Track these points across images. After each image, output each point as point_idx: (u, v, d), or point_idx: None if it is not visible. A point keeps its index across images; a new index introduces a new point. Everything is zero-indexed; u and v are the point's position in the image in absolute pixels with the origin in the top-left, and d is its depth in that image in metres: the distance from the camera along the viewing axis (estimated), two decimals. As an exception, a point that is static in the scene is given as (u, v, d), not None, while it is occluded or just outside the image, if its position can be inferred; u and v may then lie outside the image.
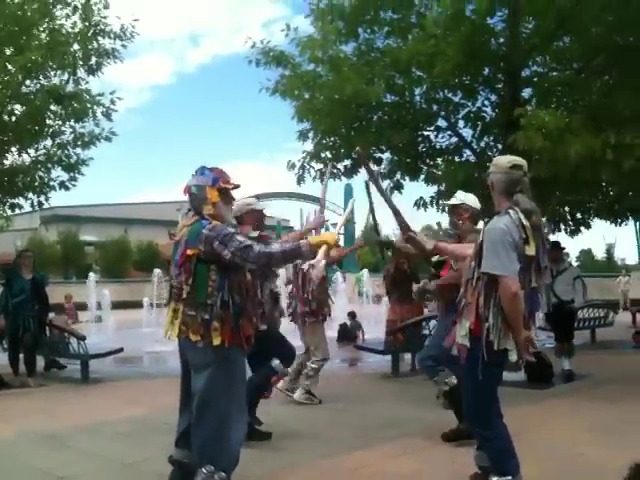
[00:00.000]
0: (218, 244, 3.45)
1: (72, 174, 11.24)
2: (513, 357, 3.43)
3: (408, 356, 9.40)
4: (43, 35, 10.50)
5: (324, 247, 3.53)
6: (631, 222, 14.46)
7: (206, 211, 3.61)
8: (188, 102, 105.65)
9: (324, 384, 7.23)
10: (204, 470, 3.44)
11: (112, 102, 11.06)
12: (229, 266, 3.50)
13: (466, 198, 5.31)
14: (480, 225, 5.11)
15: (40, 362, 9.24)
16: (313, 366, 6.87)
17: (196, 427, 3.55)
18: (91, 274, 19.67)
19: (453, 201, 5.34)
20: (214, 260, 3.49)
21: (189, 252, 3.51)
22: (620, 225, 13.76)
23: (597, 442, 5.03)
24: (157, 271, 17.29)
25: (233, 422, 3.53)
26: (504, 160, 3.74)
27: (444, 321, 5.12)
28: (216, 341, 3.46)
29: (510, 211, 3.50)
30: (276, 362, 5.37)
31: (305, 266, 6.88)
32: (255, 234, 3.95)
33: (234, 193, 3.84)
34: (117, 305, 20.15)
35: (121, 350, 9.50)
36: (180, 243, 3.61)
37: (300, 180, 10.91)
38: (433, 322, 8.91)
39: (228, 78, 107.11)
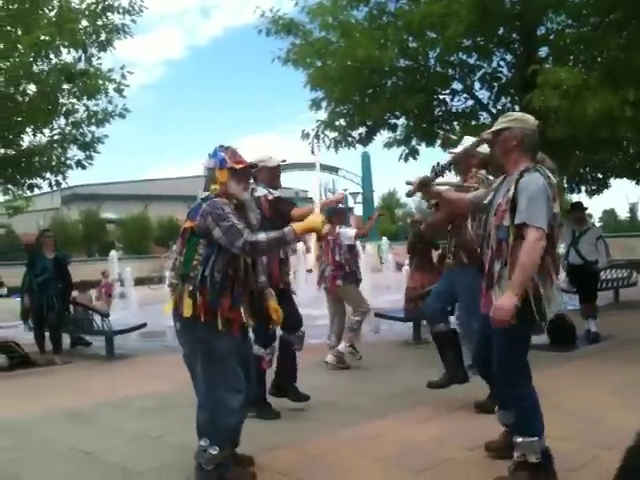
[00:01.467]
0: (211, 220, 3.50)
1: (88, 152, 11.26)
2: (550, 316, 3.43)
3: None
4: (52, 13, 10.44)
5: (313, 235, 3.61)
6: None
7: (212, 191, 3.67)
8: (202, 76, 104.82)
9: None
10: (200, 443, 3.61)
11: (123, 77, 11.02)
12: (217, 244, 3.53)
13: (468, 141, 5.02)
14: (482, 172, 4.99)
15: (66, 340, 9.40)
16: (356, 318, 7.12)
17: (198, 405, 3.71)
18: (113, 251, 19.83)
19: (459, 148, 4.96)
20: (205, 235, 3.54)
21: (187, 224, 3.60)
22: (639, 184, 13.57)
23: (622, 404, 5.00)
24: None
25: (227, 407, 3.58)
26: (530, 117, 3.68)
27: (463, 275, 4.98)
28: (186, 312, 3.49)
29: (539, 169, 3.46)
30: (283, 333, 5.27)
31: (336, 232, 6.99)
32: (247, 195, 3.79)
33: (248, 172, 3.86)
34: (140, 281, 20.34)
35: (144, 325, 9.61)
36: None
37: (313, 150, 10.83)
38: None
39: (241, 49, 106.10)
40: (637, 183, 13.43)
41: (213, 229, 3.49)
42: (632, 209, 54.90)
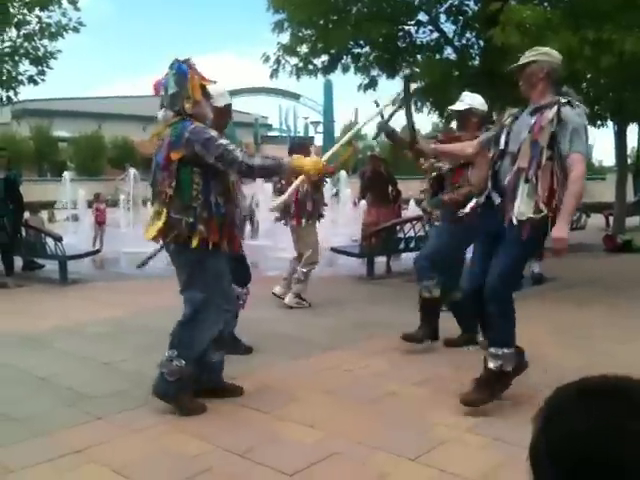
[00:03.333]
0: (200, 148, 3.47)
1: (40, 68, 10.88)
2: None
3: (383, 259, 9.52)
4: None
5: (301, 177, 3.78)
6: (610, 124, 14.38)
7: (188, 109, 3.57)
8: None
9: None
10: (167, 353, 3.70)
11: None
12: (212, 169, 3.54)
13: (474, 101, 5.09)
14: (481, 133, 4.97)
15: (18, 262, 9.28)
16: (303, 270, 6.86)
17: (180, 321, 3.76)
18: (66, 173, 19.33)
19: (460, 106, 5.08)
20: (197, 163, 3.51)
21: (172, 156, 3.52)
22: (599, 128, 13.77)
23: (559, 344, 5.23)
24: (132, 171, 16.99)
25: (206, 319, 3.71)
26: (555, 52, 3.85)
27: (446, 224, 5.08)
28: (195, 243, 3.55)
29: (579, 104, 3.65)
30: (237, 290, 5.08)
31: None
32: (210, 114, 3.75)
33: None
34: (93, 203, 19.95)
35: (98, 251, 9.56)
36: (163, 145, 3.60)
37: (273, 74, 10.57)
38: (408, 226, 9.03)
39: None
40: (594, 126, 13.62)
41: (204, 155, 3.48)
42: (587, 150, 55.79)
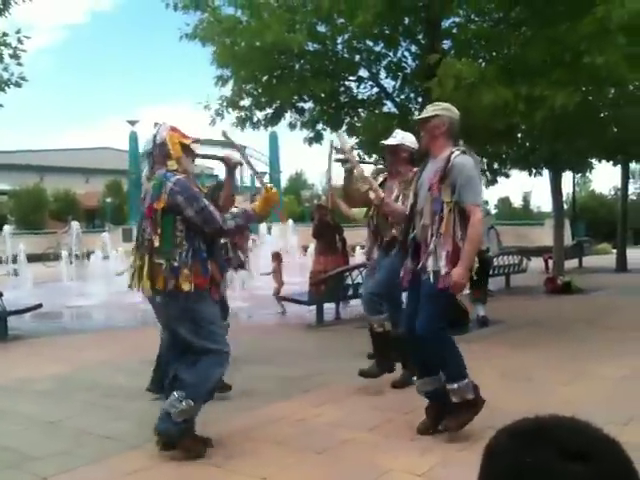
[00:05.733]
0: (183, 200, 3.64)
1: (-20, 122, 10.72)
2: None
3: (332, 306, 9.59)
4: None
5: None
6: (546, 172, 15.01)
7: (170, 166, 3.77)
8: (104, 42, 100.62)
9: (249, 337, 7.33)
10: (175, 394, 3.73)
11: (19, 41, 10.56)
12: (188, 222, 3.69)
13: (404, 138, 5.37)
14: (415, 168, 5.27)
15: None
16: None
17: (185, 364, 3.84)
18: (6, 226, 18.89)
19: (392, 141, 5.36)
20: (177, 212, 3.67)
21: (155, 205, 3.67)
22: (535, 176, 14.38)
23: (505, 387, 5.32)
24: (75, 223, 16.76)
25: (210, 359, 3.80)
26: (454, 107, 4.16)
27: (389, 259, 5.23)
28: (185, 287, 3.64)
29: (467, 151, 3.94)
30: None
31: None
32: (191, 169, 3.96)
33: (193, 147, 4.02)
34: (35, 258, 19.54)
35: (40, 306, 9.28)
36: (146, 197, 3.77)
37: (213, 122, 10.63)
38: (356, 272, 9.14)
39: (147, 18, 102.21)
40: (530, 174, 14.22)
41: (185, 209, 3.64)
42: (525, 198, 57.89)
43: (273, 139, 34.70)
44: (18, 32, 10.57)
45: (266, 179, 43.32)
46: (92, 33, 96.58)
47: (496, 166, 12.61)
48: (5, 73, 10.62)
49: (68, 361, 6.92)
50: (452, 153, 3.92)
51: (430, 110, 4.16)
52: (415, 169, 5.31)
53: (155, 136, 3.83)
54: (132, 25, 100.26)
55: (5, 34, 10.55)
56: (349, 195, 5.52)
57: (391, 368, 5.37)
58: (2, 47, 10.46)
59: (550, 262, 15.97)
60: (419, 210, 4.05)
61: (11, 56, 10.50)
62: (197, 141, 4.03)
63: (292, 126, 10.80)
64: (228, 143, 5.04)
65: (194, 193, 3.69)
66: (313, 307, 9.21)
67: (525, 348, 7.03)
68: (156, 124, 3.92)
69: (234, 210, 4.11)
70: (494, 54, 9.58)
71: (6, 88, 10.70)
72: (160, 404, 3.96)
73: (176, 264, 3.65)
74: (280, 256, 11.26)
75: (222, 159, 4.89)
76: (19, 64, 10.66)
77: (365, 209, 6.68)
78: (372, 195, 4.78)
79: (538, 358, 6.52)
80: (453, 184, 3.85)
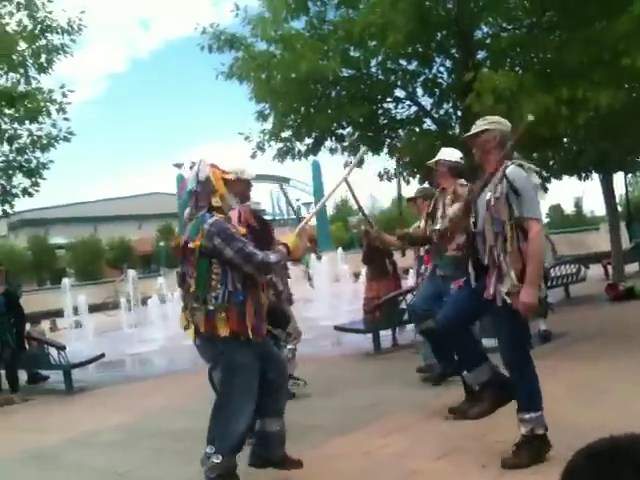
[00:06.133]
0: (220, 242, 3.56)
1: (34, 179, 11.08)
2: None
3: (388, 332, 9.42)
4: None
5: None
6: (596, 176, 14.59)
7: (214, 202, 3.71)
8: (144, 89, 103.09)
9: (307, 369, 7.25)
10: (206, 450, 3.66)
11: (64, 95, 10.94)
12: (229, 264, 3.60)
13: (442, 154, 5.52)
14: (462, 180, 5.30)
15: (22, 375, 9.17)
16: (289, 347, 6.54)
17: (212, 413, 3.76)
18: (65, 280, 19.41)
19: (452, 158, 5.48)
20: (214, 255, 3.59)
21: (190, 245, 3.63)
22: (584, 180, 13.98)
23: (575, 402, 5.09)
24: (132, 272, 17.11)
25: (241, 414, 3.69)
26: (504, 119, 4.08)
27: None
28: (223, 332, 3.57)
29: (522, 164, 3.84)
30: (277, 330, 5.28)
31: None
32: (234, 204, 3.93)
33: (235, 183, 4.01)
34: (95, 308, 19.98)
35: (103, 356, 9.44)
36: (184, 238, 3.75)
37: (254, 156, 10.73)
38: (410, 296, 8.98)
39: (184, 61, 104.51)
40: (579, 179, 13.85)
41: (223, 249, 3.56)
42: (577, 203, 56.46)
43: (316, 168, 34.86)
44: (62, 87, 10.98)
45: (311, 208, 43.66)
46: (133, 79, 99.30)
47: (545, 173, 12.32)
48: (54, 129, 10.99)
49: (131, 410, 6.98)
50: (505, 167, 3.81)
51: (479, 125, 4.06)
52: (460, 182, 5.29)
53: (197, 174, 3.76)
54: (170, 69, 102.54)
55: (51, 90, 10.94)
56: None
57: (455, 369, 5.19)
58: (49, 103, 10.81)
59: (609, 268, 15.44)
60: (480, 230, 3.92)
61: (58, 111, 10.84)
62: (236, 176, 4.01)
63: (333, 151, 10.82)
64: (268, 177, 5.11)
65: (231, 233, 3.62)
66: (370, 335, 9.08)
67: (594, 360, 6.70)
68: (193, 163, 3.88)
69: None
70: (530, 60, 9.42)
71: (55, 144, 11.06)
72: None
73: (211, 307, 3.58)
74: None
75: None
76: (66, 119, 11.02)
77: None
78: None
79: (609, 370, 6.16)
80: (508, 200, 3.73)
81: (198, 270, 3.63)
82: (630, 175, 25.12)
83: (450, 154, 5.48)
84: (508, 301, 3.72)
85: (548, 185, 12.61)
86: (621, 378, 5.83)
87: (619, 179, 22.84)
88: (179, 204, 30.69)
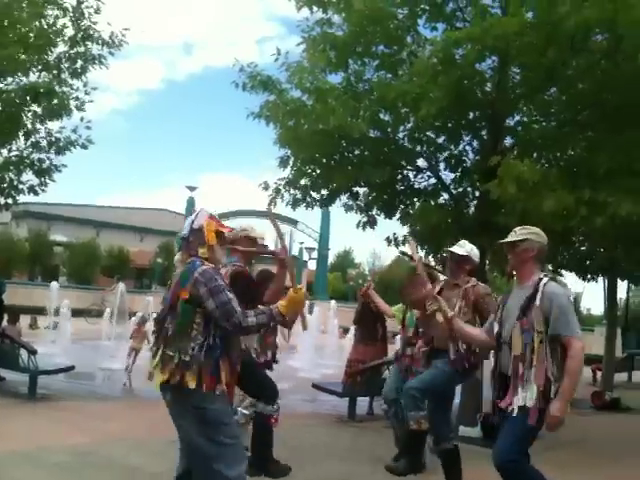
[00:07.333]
0: (205, 291, 3.42)
1: (43, 179, 10.97)
2: None
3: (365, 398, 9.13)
4: (31, 33, 10.27)
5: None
6: (600, 279, 14.48)
7: (201, 254, 3.61)
8: (176, 110, 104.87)
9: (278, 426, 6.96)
10: None
11: (86, 93, 10.93)
12: (209, 315, 3.44)
13: (472, 251, 5.34)
14: (473, 280, 5.19)
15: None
16: (244, 411, 5.54)
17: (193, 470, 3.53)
18: (54, 283, 19.20)
19: (460, 251, 5.29)
20: (198, 303, 3.44)
21: (181, 294, 3.47)
22: (589, 281, 13.84)
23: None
24: (121, 285, 16.94)
25: (222, 465, 3.40)
26: (543, 233, 4.07)
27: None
28: (192, 384, 3.36)
29: (557, 279, 3.90)
30: (260, 406, 5.08)
31: None
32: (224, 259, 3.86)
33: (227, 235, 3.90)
34: (78, 312, 19.72)
35: (72, 368, 9.20)
36: (172, 283, 3.61)
37: (272, 202, 10.70)
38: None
39: (218, 90, 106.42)
40: (584, 280, 13.71)
41: (206, 300, 3.42)
42: (576, 299, 56.40)
43: (325, 216, 34.98)
44: (85, 85, 10.98)
45: (314, 254, 43.59)
46: (165, 100, 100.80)
47: (550, 268, 12.18)
48: (73, 135, 10.94)
49: (90, 432, 6.73)
50: (540, 280, 3.81)
51: (519, 233, 4.05)
52: (473, 281, 5.15)
53: (193, 221, 3.70)
54: (202, 96, 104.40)
55: (76, 89, 10.95)
56: (402, 293, 5.57)
57: (420, 469, 5.12)
58: (72, 100, 10.80)
59: (598, 373, 15.19)
60: (506, 340, 3.88)
61: (77, 108, 10.78)
62: (232, 230, 3.91)
63: (348, 208, 10.75)
64: (268, 214, 5.01)
65: (218, 285, 3.45)
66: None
67: (565, 469, 6.42)
68: (197, 211, 3.82)
69: (261, 307, 3.83)
70: (558, 155, 9.38)
71: (72, 148, 10.99)
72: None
73: (187, 358, 3.38)
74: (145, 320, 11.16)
75: (273, 253, 4.79)
76: (88, 127, 10.97)
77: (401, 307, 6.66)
78: (439, 317, 4.62)
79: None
80: (545, 314, 3.71)
81: (181, 316, 3.46)
82: (633, 285, 25.07)
83: (477, 255, 5.37)
84: (515, 412, 3.72)
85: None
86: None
87: (622, 285, 22.73)
88: (177, 237, 30.67)
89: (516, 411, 3.71)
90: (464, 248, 5.30)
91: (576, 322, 3.75)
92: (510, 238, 4.06)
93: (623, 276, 15.11)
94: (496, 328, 3.99)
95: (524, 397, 3.68)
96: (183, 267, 3.60)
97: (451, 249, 5.36)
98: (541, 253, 3.97)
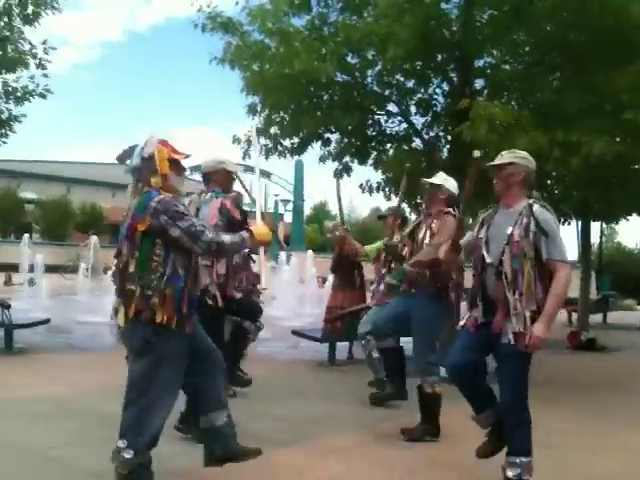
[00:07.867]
0: (167, 220, 3.35)
1: (3, 131, 10.80)
2: None
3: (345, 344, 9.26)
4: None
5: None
6: (573, 222, 14.69)
7: (154, 183, 3.49)
8: (139, 61, 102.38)
9: (257, 370, 7.06)
10: (118, 444, 3.42)
11: (45, 52, 10.69)
12: (175, 244, 3.39)
13: (447, 181, 5.35)
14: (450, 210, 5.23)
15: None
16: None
17: (125, 405, 3.49)
18: (25, 235, 18.98)
19: (433, 180, 5.34)
20: (160, 234, 3.37)
21: (138, 226, 3.38)
22: (563, 224, 14.03)
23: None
24: (94, 238, 16.81)
25: (158, 407, 3.45)
26: (531, 157, 4.02)
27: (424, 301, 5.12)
28: (156, 318, 3.35)
29: (546, 205, 3.86)
30: (246, 323, 5.63)
31: None
32: (180, 187, 3.69)
33: (184, 163, 3.74)
34: (53, 269, 19.58)
35: (48, 321, 9.19)
36: (128, 215, 3.48)
37: (245, 154, 10.65)
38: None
39: (181, 41, 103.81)
40: (561, 222, 13.89)
41: (169, 228, 3.35)
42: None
43: (299, 167, 34.78)
44: (44, 43, 10.79)
45: (289, 207, 43.43)
46: (128, 52, 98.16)
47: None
48: (31, 84, 10.74)
49: (69, 382, 6.77)
50: (531, 206, 3.79)
51: (506, 157, 4.01)
52: (448, 211, 5.16)
53: (142, 149, 3.55)
54: (167, 47, 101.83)
55: (33, 46, 10.77)
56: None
57: (437, 433, 5.13)
58: (29, 56, 10.56)
59: (574, 315, 15.52)
60: (493, 263, 3.83)
61: (37, 66, 10.58)
62: (188, 157, 3.71)
63: (323, 159, 10.70)
64: (251, 168, 5.02)
65: (179, 211, 3.39)
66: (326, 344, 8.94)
67: (543, 408, 6.60)
68: (147, 140, 3.62)
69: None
70: (528, 97, 9.37)
71: (31, 98, 10.80)
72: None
73: (149, 292, 3.35)
74: None
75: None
76: (45, 75, 10.80)
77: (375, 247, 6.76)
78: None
79: (558, 421, 5.97)
80: (537, 240, 3.72)
81: (140, 250, 3.39)
82: (605, 225, 25.49)
83: (454, 185, 5.37)
84: (512, 342, 3.71)
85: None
86: (568, 431, 5.76)
87: (595, 228, 23.12)
88: (128, 167, 30.28)
89: (506, 338, 3.71)
90: (438, 178, 5.35)
91: (565, 248, 3.78)
92: (496, 161, 4.02)
93: (596, 218, 15.32)
94: (484, 248, 3.91)
95: (516, 324, 3.69)
96: (138, 197, 3.49)
97: (448, 186, 5.36)
98: (528, 178, 3.91)
